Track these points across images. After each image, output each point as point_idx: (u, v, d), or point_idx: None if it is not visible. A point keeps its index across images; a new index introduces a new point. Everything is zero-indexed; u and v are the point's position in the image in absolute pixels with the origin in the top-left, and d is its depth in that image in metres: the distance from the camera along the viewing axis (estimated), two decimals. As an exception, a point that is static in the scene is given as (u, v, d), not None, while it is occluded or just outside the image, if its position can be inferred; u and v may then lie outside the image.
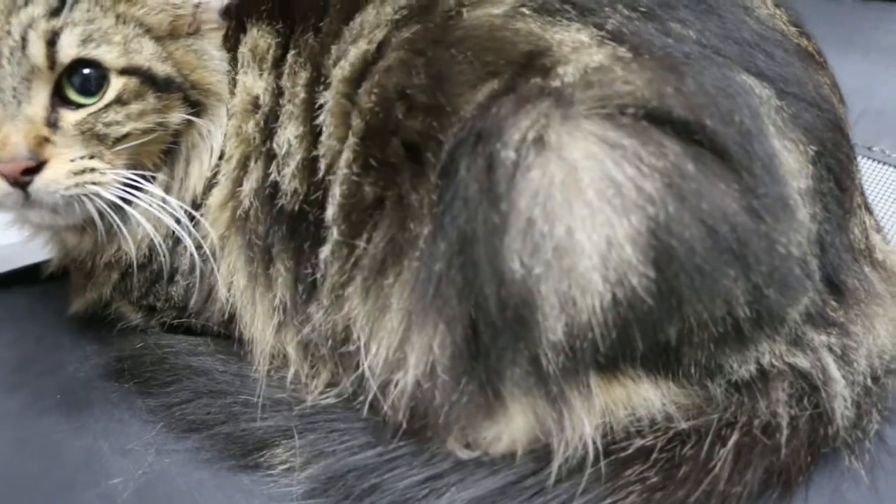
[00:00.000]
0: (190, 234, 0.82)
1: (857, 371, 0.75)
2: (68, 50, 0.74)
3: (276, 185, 0.80)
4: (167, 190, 0.84)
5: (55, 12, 0.75)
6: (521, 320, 0.67)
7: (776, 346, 0.72)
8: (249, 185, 0.82)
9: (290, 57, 0.83)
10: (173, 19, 0.82)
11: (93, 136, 0.77)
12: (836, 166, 0.74)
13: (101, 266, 0.88)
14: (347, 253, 0.76)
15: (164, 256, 0.83)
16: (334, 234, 0.76)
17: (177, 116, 0.81)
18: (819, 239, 0.72)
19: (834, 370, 0.74)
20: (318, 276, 0.78)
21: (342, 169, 0.76)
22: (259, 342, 0.83)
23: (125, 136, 0.78)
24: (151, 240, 0.82)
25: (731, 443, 0.71)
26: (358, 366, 0.75)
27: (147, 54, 0.79)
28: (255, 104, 0.83)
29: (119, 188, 0.78)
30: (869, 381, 0.76)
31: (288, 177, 0.79)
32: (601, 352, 0.68)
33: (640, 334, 0.67)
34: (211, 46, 0.85)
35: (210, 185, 0.84)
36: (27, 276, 1.02)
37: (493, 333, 0.68)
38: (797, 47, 0.77)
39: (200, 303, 0.87)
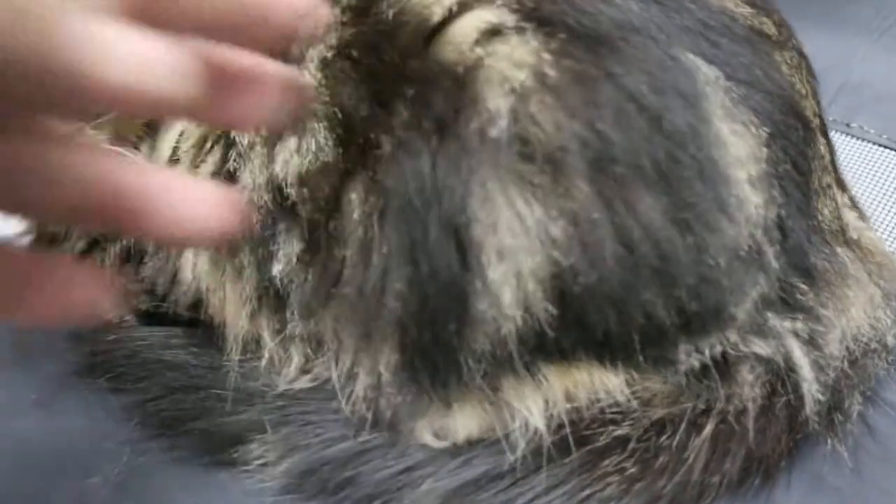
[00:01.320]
0: None
1: (830, 355, 0.75)
2: None
3: (231, 175, 0.78)
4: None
5: None
6: (456, 340, 0.68)
7: (730, 335, 0.71)
8: (206, 168, 0.80)
9: None
10: None
11: None
12: (792, 149, 0.72)
13: (67, 234, 0.87)
14: (303, 280, 0.75)
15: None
16: (288, 260, 0.76)
17: None
18: (779, 223, 0.71)
19: (800, 355, 0.73)
20: (280, 288, 0.77)
21: (292, 187, 0.75)
22: (231, 326, 0.82)
23: None
24: None
25: (706, 431, 0.71)
26: (331, 372, 0.76)
27: None
28: None
29: None
30: (846, 365, 0.76)
31: (247, 176, 0.77)
32: (532, 352, 0.69)
33: (564, 343, 0.68)
34: None
35: (171, 162, 0.83)
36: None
37: (433, 356, 0.70)
38: (749, 30, 0.74)
39: (166, 285, 0.86)
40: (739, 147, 0.68)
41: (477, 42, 0.67)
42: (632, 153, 0.65)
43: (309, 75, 0.75)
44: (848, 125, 1.09)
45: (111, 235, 0.87)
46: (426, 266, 0.67)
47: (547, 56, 0.66)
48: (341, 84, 0.72)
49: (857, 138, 1.08)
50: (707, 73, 0.68)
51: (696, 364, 0.71)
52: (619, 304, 0.66)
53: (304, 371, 0.80)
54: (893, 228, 1.00)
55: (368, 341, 0.72)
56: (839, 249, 0.78)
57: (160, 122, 0.83)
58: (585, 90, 0.65)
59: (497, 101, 0.65)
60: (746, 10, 0.76)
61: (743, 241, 0.67)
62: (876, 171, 1.06)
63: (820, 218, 0.76)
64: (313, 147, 0.73)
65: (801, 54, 0.79)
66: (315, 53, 0.75)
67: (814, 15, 1.21)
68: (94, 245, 0.88)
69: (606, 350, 0.70)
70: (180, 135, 0.83)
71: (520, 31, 0.67)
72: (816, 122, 0.78)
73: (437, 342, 0.69)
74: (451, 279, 0.67)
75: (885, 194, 1.03)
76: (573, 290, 0.65)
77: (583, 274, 0.65)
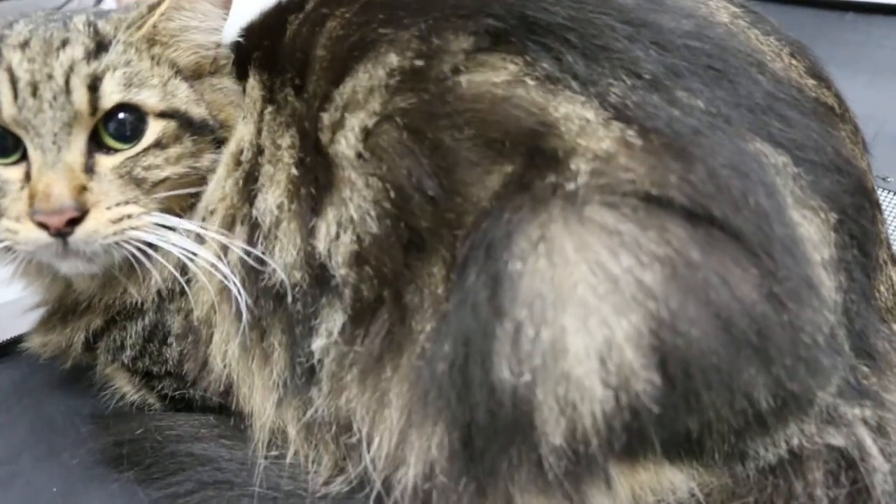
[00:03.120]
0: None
1: (894, 441, 0.72)
2: (112, 95, 0.73)
3: (260, 260, 0.75)
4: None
5: (94, 55, 0.73)
6: (518, 426, 0.63)
7: (807, 427, 0.68)
8: (234, 256, 0.76)
9: (267, 113, 0.78)
10: (200, 59, 0.81)
11: (130, 181, 0.74)
12: (860, 232, 0.71)
13: (88, 309, 0.84)
14: (344, 352, 0.72)
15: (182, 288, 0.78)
16: (329, 334, 0.72)
17: (208, 159, 0.79)
18: (846, 309, 0.68)
19: (870, 444, 0.70)
20: (315, 362, 0.73)
21: (342, 269, 0.71)
22: (258, 416, 0.78)
23: (163, 181, 0.76)
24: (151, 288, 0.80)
25: (769, 531, 0.68)
26: (361, 458, 0.71)
27: (183, 96, 0.78)
28: (238, 160, 0.79)
29: (155, 230, 0.75)
30: (906, 450, 0.73)
31: (277, 256, 0.74)
32: (613, 449, 0.63)
33: (655, 432, 0.63)
34: (231, 82, 0.83)
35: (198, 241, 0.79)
36: (11, 350, 0.97)
37: (486, 438, 0.65)
38: (815, 103, 0.73)
39: (195, 371, 0.83)
40: (812, 231, 0.66)
41: (578, 134, 0.65)
42: (726, 213, 0.62)
43: (346, 144, 0.72)
44: (885, 179, 1.07)
45: (133, 313, 0.83)
46: (460, 319, 0.64)
47: (631, 132, 0.65)
48: (396, 156, 0.69)
49: (894, 193, 1.05)
50: (775, 161, 0.66)
51: (773, 459, 0.68)
52: (725, 377, 0.61)
53: (338, 470, 0.75)
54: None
55: (422, 417, 0.67)
56: (896, 327, 0.76)
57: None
58: (675, 154, 0.63)
59: (578, 164, 0.64)
60: (810, 81, 0.74)
61: (825, 323, 0.65)
62: (913, 228, 1.03)
63: (877, 295, 0.74)
64: (355, 217, 0.70)
65: (857, 127, 0.77)
66: (356, 121, 0.72)
67: (845, 61, 1.19)
68: (113, 323, 0.85)
69: (686, 443, 0.65)
70: (207, 210, 0.80)
71: (607, 125, 0.66)
72: (875, 196, 0.76)
73: (477, 420, 0.64)
74: (480, 332, 0.63)
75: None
76: (676, 350, 0.60)
77: (684, 323, 0.59)
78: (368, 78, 0.72)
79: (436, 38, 0.71)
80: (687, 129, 0.65)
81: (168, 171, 0.76)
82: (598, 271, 0.60)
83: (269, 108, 0.78)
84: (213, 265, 0.76)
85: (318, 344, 0.73)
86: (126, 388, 0.89)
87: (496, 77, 0.69)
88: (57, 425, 0.90)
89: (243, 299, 0.75)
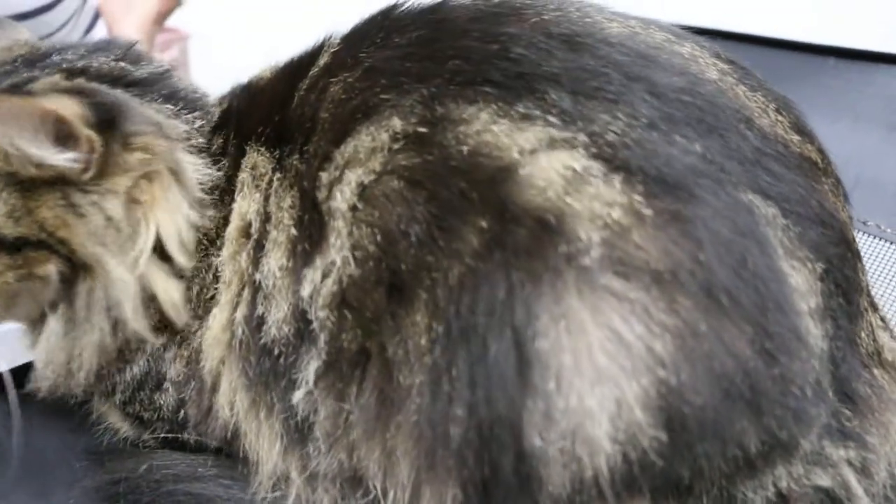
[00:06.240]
0: None
1: (877, 483, 0.74)
2: None
3: (262, 319, 0.77)
4: (80, 319, 0.80)
5: None
6: (529, 481, 0.66)
7: (794, 469, 0.70)
8: (241, 312, 0.79)
9: (276, 180, 0.79)
10: (51, 172, 0.76)
11: None
12: (844, 281, 0.73)
13: None
14: (336, 410, 0.73)
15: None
16: (306, 383, 0.73)
17: (51, 269, 0.78)
18: (831, 356, 0.71)
19: (856, 485, 0.73)
20: (300, 418, 0.75)
21: (321, 312, 0.72)
22: (264, 463, 0.79)
23: None
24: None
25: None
26: None
27: None
28: (248, 232, 0.80)
29: None
30: (889, 492, 0.75)
31: (272, 314, 0.76)
32: (605, 498, 0.66)
33: (651, 482, 0.66)
34: (108, 199, 0.78)
35: (208, 307, 0.81)
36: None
37: (502, 493, 0.67)
38: (800, 158, 0.75)
39: (199, 417, 0.84)
40: (800, 281, 0.69)
41: (566, 192, 0.66)
42: (730, 285, 0.64)
43: (341, 198, 0.73)
44: (865, 223, 1.10)
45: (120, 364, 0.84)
46: (483, 390, 0.65)
47: (638, 197, 0.66)
48: (389, 203, 0.71)
49: (875, 237, 1.08)
50: (766, 212, 0.68)
51: (760, 502, 0.69)
52: (719, 430, 0.64)
53: None
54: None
55: (433, 474, 0.68)
56: (877, 372, 0.78)
57: (79, 282, 0.79)
58: (684, 226, 0.65)
59: (589, 233, 0.65)
60: (795, 136, 0.77)
61: (812, 371, 0.67)
62: (892, 272, 1.06)
63: (859, 341, 0.76)
64: (338, 262, 0.72)
65: (839, 180, 0.80)
66: (353, 176, 0.73)
67: (826, 106, 1.22)
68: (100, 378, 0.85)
69: (675, 489, 0.67)
70: (224, 283, 0.81)
71: (606, 177, 0.67)
72: (856, 246, 0.79)
73: (499, 478, 0.66)
74: (508, 404, 0.65)
75: (903, 296, 1.04)
76: (680, 410, 0.63)
77: (690, 389, 0.63)
78: (371, 140, 0.74)
79: (439, 107, 0.72)
80: (689, 173, 0.67)
81: None
82: (612, 337, 0.63)
83: (278, 175, 0.80)
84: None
85: (298, 395, 0.74)
86: (117, 422, 0.90)
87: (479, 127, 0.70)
88: (49, 461, 0.90)
89: None
